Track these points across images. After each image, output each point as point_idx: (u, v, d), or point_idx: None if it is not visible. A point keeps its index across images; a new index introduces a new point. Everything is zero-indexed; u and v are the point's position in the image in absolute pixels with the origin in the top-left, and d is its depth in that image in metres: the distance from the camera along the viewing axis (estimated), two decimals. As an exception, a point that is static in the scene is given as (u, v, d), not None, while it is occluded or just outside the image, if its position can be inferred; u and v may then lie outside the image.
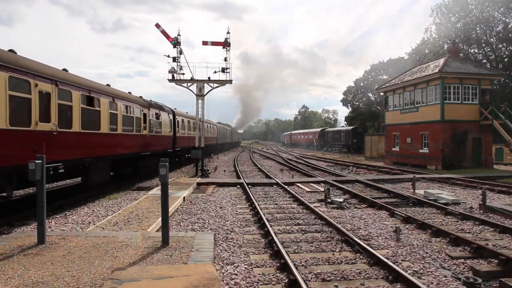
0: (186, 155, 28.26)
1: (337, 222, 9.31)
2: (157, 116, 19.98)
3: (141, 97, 18.89)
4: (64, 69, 11.91)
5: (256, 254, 7.12)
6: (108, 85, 15.17)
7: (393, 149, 30.61)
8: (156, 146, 19.99)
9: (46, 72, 10.22)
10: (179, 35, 20.36)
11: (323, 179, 18.24)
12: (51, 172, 9.75)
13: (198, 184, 16.77)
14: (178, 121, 24.64)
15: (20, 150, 9.12)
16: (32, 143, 9.52)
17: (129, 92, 17.69)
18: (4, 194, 9.21)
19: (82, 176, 13.44)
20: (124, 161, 16.45)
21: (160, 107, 21.23)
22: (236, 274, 5.95)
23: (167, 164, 6.52)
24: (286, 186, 15.61)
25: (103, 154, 13.62)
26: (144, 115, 17.89)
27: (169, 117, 22.61)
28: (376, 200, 12.28)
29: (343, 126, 73.04)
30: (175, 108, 25.64)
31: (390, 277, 5.84)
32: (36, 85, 9.59)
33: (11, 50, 9.49)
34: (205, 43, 20.88)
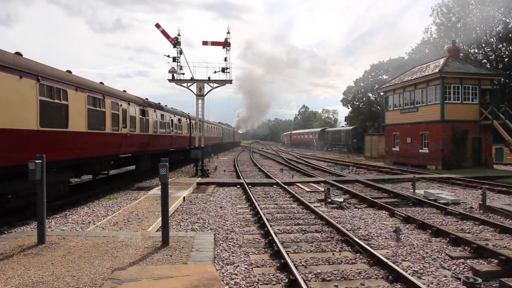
0: None
1: (337, 222, 9.32)
2: (179, 121, 24.89)
3: (166, 105, 23.11)
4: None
5: (256, 254, 7.12)
6: (146, 98, 19.66)
7: (393, 149, 30.61)
8: (179, 144, 25.03)
9: (124, 96, 15.68)
10: (179, 35, 20.35)
11: (323, 179, 18.24)
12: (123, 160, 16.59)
13: (198, 184, 16.78)
14: (192, 123, 28.59)
15: (114, 145, 14.34)
16: (119, 141, 14.76)
17: (159, 102, 21.78)
18: (105, 172, 14.62)
19: (136, 165, 18.77)
20: (158, 155, 20.38)
21: (181, 113, 25.88)
22: (236, 274, 5.95)
23: (167, 164, 6.54)
24: (286, 186, 15.61)
25: (148, 149, 18.67)
26: (172, 120, 22.94)
27: (186, 121, 27.26)
28: (376, 200, 12.28)
29: (343, 126, 72.96)
30: (189, 113, 29.28)
31: (390, 277, 5.84)
32: (121, 105, 14.91)
33: (101, 83, 14.06)
34: (205, 43, 20.87)
